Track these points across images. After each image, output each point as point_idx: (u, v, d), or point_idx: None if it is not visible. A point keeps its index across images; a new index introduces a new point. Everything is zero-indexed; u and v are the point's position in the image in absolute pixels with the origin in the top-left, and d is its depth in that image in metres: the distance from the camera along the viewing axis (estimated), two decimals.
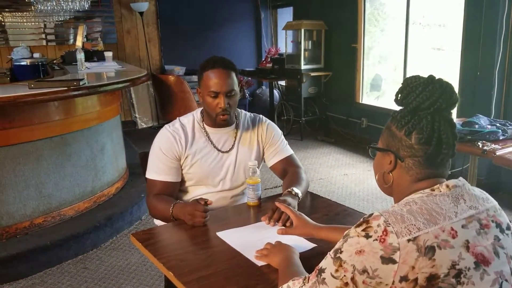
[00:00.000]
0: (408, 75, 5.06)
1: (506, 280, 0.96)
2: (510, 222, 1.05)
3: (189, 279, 1.26)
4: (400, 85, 1.07)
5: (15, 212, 2.94)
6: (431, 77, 1.03)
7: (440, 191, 1.00)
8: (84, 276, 2.81)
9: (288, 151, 2.02)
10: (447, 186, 1.01)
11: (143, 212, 3.63)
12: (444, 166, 1.05)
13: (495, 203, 1.05)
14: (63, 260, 2.96)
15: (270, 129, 1.99)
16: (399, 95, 1.06)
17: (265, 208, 1.73)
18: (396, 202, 1.04)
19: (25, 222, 2.98)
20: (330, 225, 1.44)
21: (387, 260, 0.90)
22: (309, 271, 1.08)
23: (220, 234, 1.54)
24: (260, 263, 1.33)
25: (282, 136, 2.04)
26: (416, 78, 1.04)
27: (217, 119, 1.83)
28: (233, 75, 1.82)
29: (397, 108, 1.09)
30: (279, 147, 1.99)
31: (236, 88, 1.83)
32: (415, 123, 1.01)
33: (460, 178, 1.05)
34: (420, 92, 1.01)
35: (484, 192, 1.07)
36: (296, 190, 1.75)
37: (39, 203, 3.05)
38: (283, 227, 1.51)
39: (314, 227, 1.42)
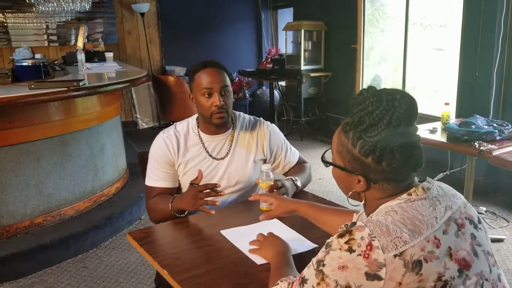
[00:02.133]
0: (407, 76, 5.11)
1: (487, 280, 0.96)
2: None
3: (183, 277, 1.28)
4: (355, 109, 0.98)
5: (16, 211, 2.97)
6: (388, 103, 0.93)
7: (417, 195, 0.97)
8: (84, 275, 2.83)
9: (295, 157, 2.02)
10: (423, 188, 0.98)
11: (143, 212, 3.65)
12: (415, 173, 1.01)
13: (463, 197, 1.05)
14: (62, 259, 2.98)
15: (273, 138, 1.94)
16: (358, 126, 0.96)
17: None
18: (368, 213, 1.01)
19: (25, 221, 3.01)
20: (309, 202, 1.45)
21: (372, 276, 0.87)
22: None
23: (224, 232, 1.56)
24: (255, 260, 1.35)
25: (285, 141, 2.01)
26: (370, 104, 0.94)
27: (212, 119, 1.77)
28: (225, 75, 1.79)
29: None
30: (286, 156, 1.98)
31: (230, 86, 1.80)
32: (382, 151, 0.94)
33: (428, 179, 1.03)
34: (383, 129, 0.93)
35: (450, 187, 1.06)
36: (297, 179, 1.85)
37: (39, 203, 3.07)
38: (265, 213, 1.48)
39: (295, 202, 1.42)
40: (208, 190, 1.63)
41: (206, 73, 1.76)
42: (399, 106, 0.92)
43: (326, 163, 1.08)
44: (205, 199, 1.62)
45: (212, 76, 1.76)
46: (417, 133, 0.99)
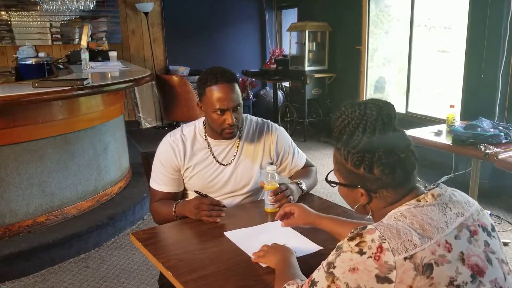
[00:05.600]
0: (412, 77, 5.09)
1: (501, 287, 0.95)
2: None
3: (187, 279, 1.27)
4: (335, 124, 1.04)
5: (18, 210, 2.96)
6: (360, 112, 0.99)
7: (426, 201, 0.98)
8: (86, 275, 2.82)
9: (301, 160, 2.01)
10: (432, 195, 0.99)
11: (146, 211, 3.64)
12: (415, 176, 1.03)
13: (477, 205, 1.04)
14: (65, 259, 2.98)
15: (281, 141, 1.92)
16: (342, 137, 1.02)
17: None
18: (377, 221, 1.01)
19: (28, 220, 3.00)
20: (331, 216, 1.44)
21: (382, 279, 0.87)
22: (311, 273, 1.06)
23: (228, 233, 1.55)
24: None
25: (293, 144, 1.99)
26: (346, 117, 1.01)
27: (223, 134, 1.77)
28: (237, 87, 1.74)
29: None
30: (293, 160, 1.96)
31: (241, 100, 1.76)
32: (370, 158, 0.98)
33: (442, 185, 1.03)
34: (361, 138, 0.98)
35: (464, 194, 1.06)
36: (302, 182, 1.84)
37: (42, 202, 3.06)
38: (286, 220, 1.48)
39: (316, 216, 1.42)
40: (211, 204, 1.65)
41: (219, 89, 1.70)
42: (370, 113, 0.98)
43: (330, 183, 1.12)
44: (208, 212, 1.63)
45: (225, 93, 1.70)
46: (407, 134, 1.03)
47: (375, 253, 0.88)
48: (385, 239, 0.89)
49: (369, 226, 0.93)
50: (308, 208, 1.46)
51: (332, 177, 1.12)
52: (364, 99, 4.82)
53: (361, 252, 0.89)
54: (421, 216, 0.94)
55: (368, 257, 0.88)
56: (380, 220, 1.01)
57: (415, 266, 0.87)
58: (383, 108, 1.00)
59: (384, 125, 0.98)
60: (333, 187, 1.11)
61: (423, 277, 0.86)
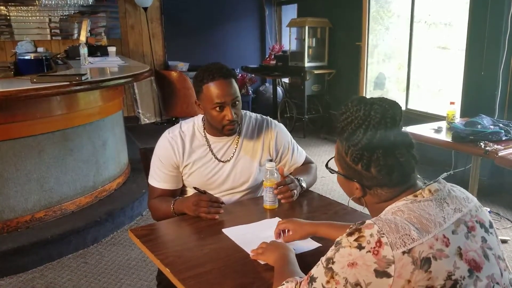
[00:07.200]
0: (412, 74, 5.08)
1: (498, 283, 0.95)
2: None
3: (186, 276, 1.26)
4: (340, 119, 1.03)
5: (17, 205, 2.95)
6: (365, 113, 0.99)
7: (423, 197, 0.98)
8: (84, 270, 2.82)
9: (301, 157, 2.00)
10: (429, 191, 0.99)
11: (144, 207, 3.64)
12: (414, 176, 1.03)
13: (475, 201, 1.04)
14: (63, 255, 2.97)
15: (280, 138, 1.91)
16: (344, 133, 1.02)
17: (280, 210, 1.72)
18: (372, 216, 1.01)
19: (26, 216, 2.99)
20: (326, 221, 1.44)
21: (381, 273, 0.87)
22: (310, 270, 1.06)
23: (226, 230, 1.54)
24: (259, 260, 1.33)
25: (292, 141, 1.98)
26: (350, 114, 1.00)
27: (224, 130, 1.75)
28: (234, 82, 1.73)
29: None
30: (292, 157, 1.95)
31: (239, 95, 1.75)
32: (369, 157, 0.99)
33: (441, 180, 1.03)
34: (364, 133, 0.98)
35: (464, 190, 1.06)
36: (302, 179, 1.82)
37: (40, 197, 3.06)
38: (285, 236, 1.46)
39: (311, 225, 1.41)
40: (209, 201, 1.63)
41: (216, 86, 1.69)
42: (374, 115, 0.98)
43: (330, 170, 1.13)
44: (207, 208, 1.62)
45: (223, 89, 1.69)
46: (410, 137, 1.02)
47: (374, 247, 0.88)
48: (383, 234, 0.89)
49: (368, 221, 0.93)
50: (301, 220, 1.45)
51: (333, 164, 1.13)
52: (364, 94, 4.83)
53: (360, 247, 0.89)
54: (418, 211, 0.94)
55: (367, 252, 0.88)
56: (374, 215, 1.01)
57: (413, 260, 0.87)
58: (389, 110, 0.99)
59: (387, 128, 0.98)
60: (332, 173, 1.13)
61: (421, 271, 0.87)
